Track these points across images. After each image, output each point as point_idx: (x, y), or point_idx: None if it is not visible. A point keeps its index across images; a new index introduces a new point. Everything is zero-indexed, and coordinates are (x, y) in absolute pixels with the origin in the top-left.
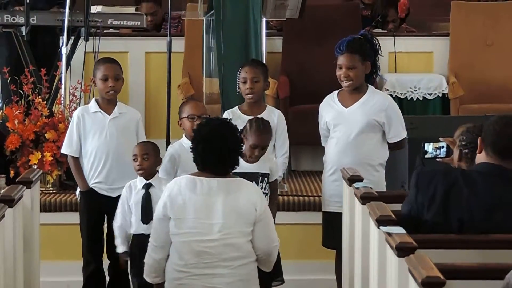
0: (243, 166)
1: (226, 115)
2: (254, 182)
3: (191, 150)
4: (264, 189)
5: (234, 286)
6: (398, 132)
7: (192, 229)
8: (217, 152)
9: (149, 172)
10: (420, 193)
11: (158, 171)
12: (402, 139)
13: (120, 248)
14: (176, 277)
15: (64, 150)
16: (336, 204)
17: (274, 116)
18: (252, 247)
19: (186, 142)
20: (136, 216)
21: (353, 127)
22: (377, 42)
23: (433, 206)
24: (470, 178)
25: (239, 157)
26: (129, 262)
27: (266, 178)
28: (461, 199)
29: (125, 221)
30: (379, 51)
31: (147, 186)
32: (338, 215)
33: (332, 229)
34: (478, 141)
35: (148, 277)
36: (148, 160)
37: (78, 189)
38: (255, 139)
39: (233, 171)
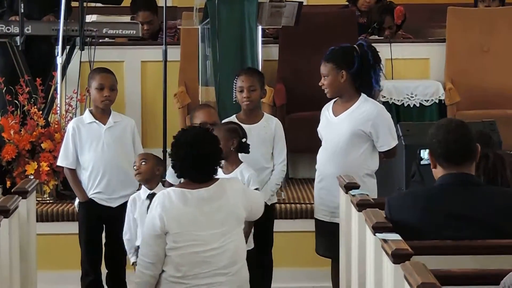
0: (221, 175)
1: None
2: None
3: (170, 159)
4: None
5: None
6: (387, 141)
7: (190, 241)
8: (195, 161)
9: (146, 176)
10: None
11: (163, 181)
12: (392, 148)
13: (133, 258)
14: None
15: (60, 162)
16: (322, 212)
17: (271, 124)
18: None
19: None
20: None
21: (339, 137)
22: (370, 52)
23: (409, 233)
24: (437, 196)
25: (218, 166)
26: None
27: None
28: (433, 221)
29: (132, 234)
30: (374, 62)
31: (151, 196)
32: (325, 224)
33: (320, 236)
34: (428, 157)
35: None
36: (146, 164)
37: (77, 200)
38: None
39: None
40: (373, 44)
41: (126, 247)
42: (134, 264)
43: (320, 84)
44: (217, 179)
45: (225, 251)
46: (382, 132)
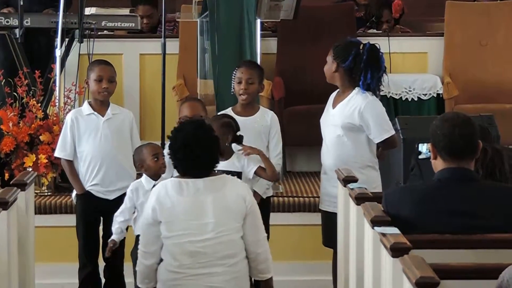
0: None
1: None
2: None
3: (169, 156)
4: None
5: (230, 284)
6: (378, 133)
7: (184, 230)
8: (195, 157)
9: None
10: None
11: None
12: (386, 139)
13: (115, 236)
14: (171, 278)
15: (57, 153)
16: (326, 203)
17: (267, 117)
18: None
19: None
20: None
21: (333, 129)
22: (368, 56)
23: (405, 228)
24: (434, 192)
25: (219, 155)
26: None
27: (235, 176)
28: (429, 216)
29: (129, 217)
30: (370, 66)
31: None
32: (328, 214)
33: (325, 227)
34: (430, 148)
35: (141, 284)
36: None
37: (74, 192)
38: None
39: None
40: (372, 41)
41: (116, 224)
42: (112, 241)
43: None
44: (219, 172)
45: (220, 243)
46: (371, 124)
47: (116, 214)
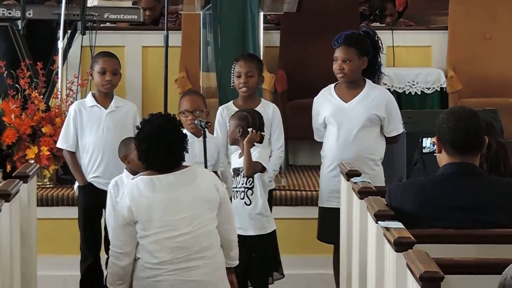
0: (236, 161)
1: (220, 110)
2: (238, 176)
3: (134, 148)
4: (246, 184)
5: (211, 276)
6: (397, 126)
7: (161, 228)
8: (158, 151)
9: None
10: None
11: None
12: (400, 133)
13: None
14: (151, 274)
15: (60, 144)
16: (336, 200)
17: (269, 110)
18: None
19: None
20: None
21: (354, 123)
22: (378, 39)
23: (409, 223)
24: (438, 186)
25: (185, 152)
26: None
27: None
28: (433, 211)
29: None
30: (381, 49)
31: None
32: (336, 210)
33: (330, 224)
34: (435, 141)
35: (113, 285)
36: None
37: (76, 184)
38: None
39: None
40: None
41: (108, 227)
42: None
43: (338, 68)
44: (187, 166)
45: (197, 236)
46: (393, 117)
47: (107, 218)
